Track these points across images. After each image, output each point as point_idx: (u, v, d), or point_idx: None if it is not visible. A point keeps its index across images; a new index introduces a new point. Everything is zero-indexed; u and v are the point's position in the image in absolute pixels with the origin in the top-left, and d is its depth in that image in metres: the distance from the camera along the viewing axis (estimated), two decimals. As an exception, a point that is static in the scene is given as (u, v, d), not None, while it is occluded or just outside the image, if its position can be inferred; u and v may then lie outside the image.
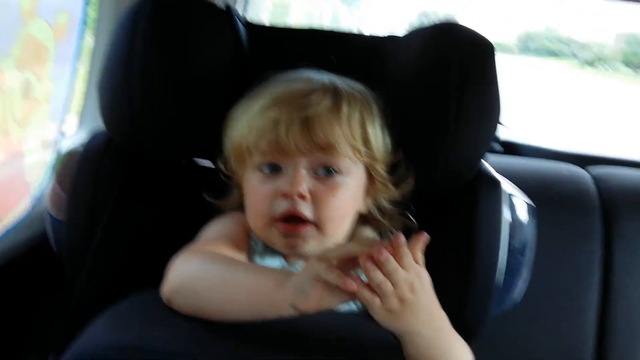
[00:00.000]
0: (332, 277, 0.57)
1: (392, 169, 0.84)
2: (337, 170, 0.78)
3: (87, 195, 0.86)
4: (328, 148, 0.76)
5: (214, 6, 0.96)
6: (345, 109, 0.78)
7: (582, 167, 1.23)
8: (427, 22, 0.95)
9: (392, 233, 0.86)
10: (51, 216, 0.90)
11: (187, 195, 0.90)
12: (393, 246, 0.58)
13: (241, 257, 0.79)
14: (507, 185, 0.91)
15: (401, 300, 0.58)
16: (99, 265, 0.85)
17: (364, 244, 0.60)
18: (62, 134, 1.02)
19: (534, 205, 0.92)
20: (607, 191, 1.15)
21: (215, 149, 0.87)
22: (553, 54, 10.08)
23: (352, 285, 0.56)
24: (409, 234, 0.86)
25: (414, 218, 0.86)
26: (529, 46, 10.91)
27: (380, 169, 0.83)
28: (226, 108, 0.88)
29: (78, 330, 0.66)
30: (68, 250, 0.87)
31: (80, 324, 0.68)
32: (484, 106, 0.86)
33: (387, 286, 0.58)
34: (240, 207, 0.86)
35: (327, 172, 0.78)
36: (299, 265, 0.80)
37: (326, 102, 0.77)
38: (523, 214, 0.91)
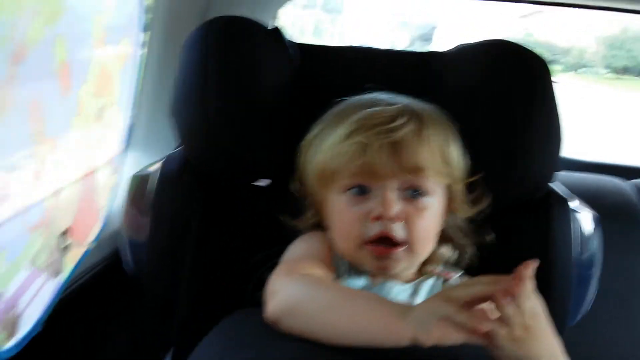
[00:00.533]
0: (463, 318, 0.58)
1: (469, 187, 0.86)
2: (424, 191, 0.80)
3: (169, 217, 0.88)
4: (416, 170, 0.78)
5: (266, 27, 0.97)
6: (428, 131, 0.80)
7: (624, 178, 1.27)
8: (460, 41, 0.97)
9: (466, 251, 0.87)
10: (126, 238, 0.90)
11: (260, 216, 0.91)
12: (519, 277, 0.59)
13: (330, 277, 0.79)
14: (573, 200, 0.93)
15: (525, 328, 0.60)
16: (191, 286, 0.85)
17: (483, 282, 0.61)
18: (124, 157, 1.02)
19: (598, 215, 0.94)
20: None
21: (282, 170, 0.89)
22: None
23: (486, 327, 0.57)
24: (481, 251, 0.89)
25: (487, 236, 0.88)
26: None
27: (460, 188, 0.84)
28: (287, 128, 0.89)
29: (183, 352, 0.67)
30: (150, 270, 0.88)
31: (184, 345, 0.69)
32: (550, 125, 0.89)
33: (516, 317, 0.59)
34: (315, 227, 0.88)
35: (414, 193, 0.79)
36: (384, 286, 0.81)
37: (411, 126, 0.79)
38: (589, 227, 0.93)
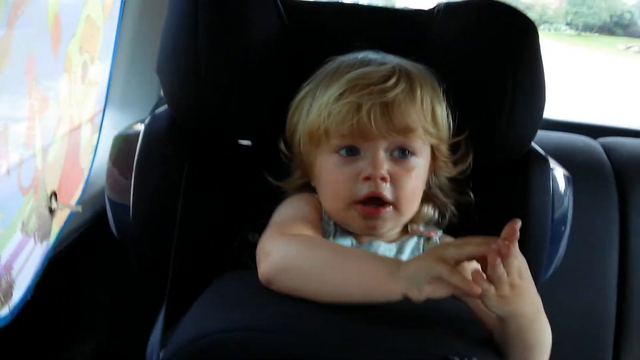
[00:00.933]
0: (457, 280, 0.60)
1: (453, 147, 0.88)
2: (412, 151, 0.81)
3: (155, 179, 0.86)
4: (406, 131, 0.79)
5: None
6: (419, 92, 0.81)
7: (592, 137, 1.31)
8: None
9: (453, 212, 0.90)
10: (111, 200, 0.89)
11: (247, 175, 0.91)
12: (508, 238, 0.61)
13: (320, 237, 0.81)
14: (551, 160, 0.96)
15: (512, 286, 0.62)
16: (179, 248, 0.86)
17: (475, 242, 0.63)
18: (103, 116, 0.99)
19: (570, 176, 0.98)
20: (618, 160, 1.24)
21: (270, 129, 0.88)
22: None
23: (478, 290, 0.60)
24: (463, 209, 0.91)
25: (471, 194, 0.91)
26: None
27: (444, 148, 0.86)
28: (276, 86, 0.89)
29: (173, 314, 0.67)
30: (136, 232, 0.87)
31: (175, 304, 0.69)
32: (535, 85, 0.90)
33: (504, 276, 0.62)
34: (302, 187, 0.89)
35: (402, 153, 0.81)
36: (371, 245, 0.83)
37: (402, 86, 0.80)
38: (563, 186, 0.97)
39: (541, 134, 1.31)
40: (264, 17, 0.91)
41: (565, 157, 1.21)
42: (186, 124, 0.89)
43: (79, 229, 0.96)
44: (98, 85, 0.94)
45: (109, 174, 0.90)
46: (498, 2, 0.94)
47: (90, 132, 0.95)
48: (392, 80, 0.79)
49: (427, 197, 0.89)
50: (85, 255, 0.98)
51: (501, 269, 0.61)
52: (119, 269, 0.94)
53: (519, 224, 0.63)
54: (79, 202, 0.94)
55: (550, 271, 0.97)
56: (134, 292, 0.94)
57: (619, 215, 1.18)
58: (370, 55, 0.86)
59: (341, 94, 0.79)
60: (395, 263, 0.66)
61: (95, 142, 0.98)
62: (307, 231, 0.79)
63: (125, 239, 0.90)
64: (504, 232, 0.62)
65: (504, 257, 0.61)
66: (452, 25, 0.94)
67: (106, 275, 1.00)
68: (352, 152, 0.81)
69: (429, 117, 0.82)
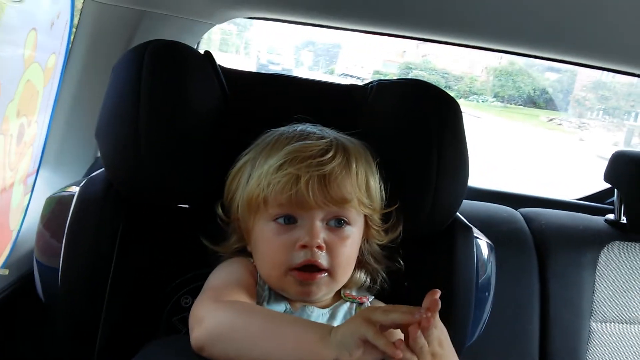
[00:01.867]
0: (381, 344, 0.63)
1: (385, 216, 0.92)
2: (347, 221, 0.85)
3: (88, 243, 0.85)
4: (342, 202, 0.83)
5: (198, 52, 0.99)
6: (354, 165, 0.85)
7: (514, 207, 1.40)
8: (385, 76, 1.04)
9: (383, 277, 0.93)
10: (40, 263, 0.87)
11: (182, 239, 0.92)
12: (430, 307, 0.65)
13: (254, 303, 0.82)
14: (474, 229, 1.02)
15: (433, 355, 0.66)
16: (110, 313, 0.84)
17: (401, 310, 0.66)
18: (37, 177, 0.98)
19: (492, 244, 1.04)
20: (538, 229, 1.32)
21: (207, 194, 0.90)
22: (430, 85, 10.72)
23: (400, 355, 0.62)
24: (394, 275, 0.95)
25: (400, 261, 0.95)
26: (408, 77, 11.55)
27: (377, 217, 0.90)
28: (216, 154, 0.91)
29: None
30: (64, 297, 0.85)
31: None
32: (459, 158, 0.97)
33: (426, 346, 0.65)
34: (238, 252, 0.90)
35: (337, 223, 0.84)
36: (304, 311, 0.85)
37: (339, 160, 0.84)
38: (486, 253, 1.03)
39: (468, 203, 1.39)
40: (205, 87, 0.94)
41: (490, 226, 1.28)
42: (123, 189, 0.88)
43: (4, 292, 0.93)
44: (33, 146, 0.93)
45: (40, 236, 0.88)
46: (425, 82, 1.02)
47: (21, 194, 0.93)
48: (330, 154, 0.83)
49: (360, 263, 0.91)
50: (9, 318, 0.94)
51: (422, 340, 0.65)
52: (46, 334, 0.91)
53: (438, 293, 0.67)
54: (4, 265, 0.91)
55: (476, 335, 1.01)
56: (62, 358, 0.90)
57: (539, 281, 1.25)
58: (309, 128, 0.89)
59: (281, 165, 0.82)
60: (326, 329, 0.68)
61: (26, 204, 0.96)
62: (241, 297, 0.80)
63: (53, 304, 0.87)
64: (425, 303, 0.66)
65: (425, 330, 0.64)
66: (384, 101, 1.00)
67: (32, 340, 0.96)
68: (289, 220, 0.83)
69: (364, 188, 0.86)
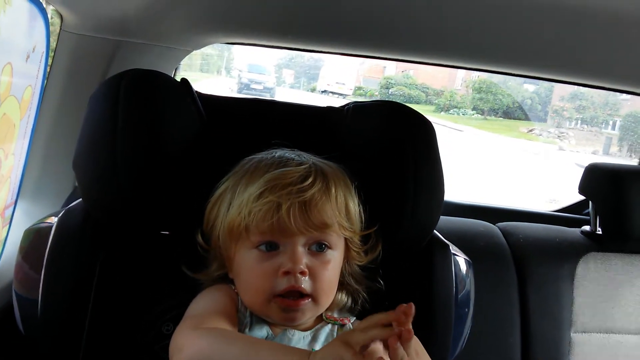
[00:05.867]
0: None
1: (364, 237, 0.93)
2: (328, 245, 0.86)
3: (67, 273, 0.85)
4: (323, 227, 0.84)
5: (174, 80, 1.00)
6: (333, 190, 0.86)
7: (491, 221, 1.42)
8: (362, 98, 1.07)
9: (364, 297, 0.94)
10: (19, 295, 0.86)
11: (164, 265, 0.92)
12: (406, 312, 0.66)
13: (235, 330, 0.82)
14: (452, 246, 1.04)
15: None
16: (91, 343, 0.84)
17: (381, 322, 0.67)
18: (14, 209, 0.98)
19: (470, 260, 1.06)
20: (516, 243, 1.34)
21: (187, 222, 0.91)
22: (411, 100, 10.92)
23: None
24: (374, 295, 0.96)
25: (380, 281, 0.96)
26: (389, 92, 11.72)
27: (357, 239, 0.91)
28: (195, 181, 0.92)
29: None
30: (45, 328, 0.84)
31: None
32: (434, 176, 0.99)
33: (405, 356, 0.67)
34: (219, 279, 0.90)
35: (319, 247, 0.85)
36: (285, 335, 0.85)
37: (319, 186, 0.85)
38: (464, 269, 1.04)
39: (446, 219, 1.40)
40: (182, 115, 0.95)
41: (468, 242, 1.30)
42: (102, 218, 0.89)
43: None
44: (11, 178, 0.93)
45: (18, 267, 0.88)
46: (400, 104, 1.04)
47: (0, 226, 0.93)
48: (309, 180, 0.84)
49: (341, 284, 0.92)
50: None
51: (402, 351, 0.66)
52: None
53: (411, 307, 0.68)
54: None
55: (458, 351, 1.02)
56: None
57: (518, 294, 1.27)
58: (287, 154, 0.90)
59: (261, 193, 0.83)
60: (305, 353, 0.69)
61: (4, 236, 0.96)
62: (222, 324, 0.80)
63: (33, 335, 0.86)
64: (394, 317, 0.67)
65: (406, 342, 0.65)
66: (360, 123, 1.02)
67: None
68: (271, 247, 0.83)
69: (343, 212, 0.87)
